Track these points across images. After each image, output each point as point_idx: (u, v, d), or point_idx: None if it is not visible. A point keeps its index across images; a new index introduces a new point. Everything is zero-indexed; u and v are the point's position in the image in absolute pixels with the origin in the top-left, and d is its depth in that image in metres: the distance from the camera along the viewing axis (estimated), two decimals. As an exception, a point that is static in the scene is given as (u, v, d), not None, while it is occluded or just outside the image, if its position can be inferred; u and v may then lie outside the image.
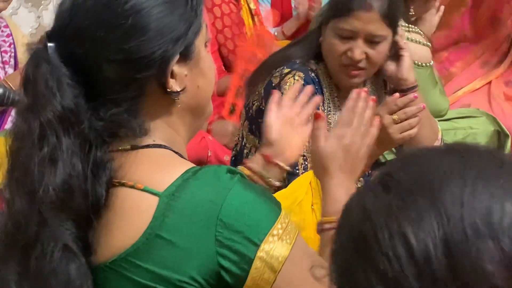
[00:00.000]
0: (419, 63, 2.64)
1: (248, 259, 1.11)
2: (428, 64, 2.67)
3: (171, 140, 1.20)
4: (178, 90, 1.17)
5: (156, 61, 1.14)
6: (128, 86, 1.15)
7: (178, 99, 1.18)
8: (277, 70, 2.13)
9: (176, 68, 1.16)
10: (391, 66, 2.16)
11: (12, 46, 3.17)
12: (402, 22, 2.68)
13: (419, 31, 2.70)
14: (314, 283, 1.14)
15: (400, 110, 1.94)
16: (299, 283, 1.15)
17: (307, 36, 2.27)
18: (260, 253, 1.11)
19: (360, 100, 1.47)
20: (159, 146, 1.18)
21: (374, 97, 1.54)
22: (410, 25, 2.70)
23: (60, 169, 1.10)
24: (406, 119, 1.95)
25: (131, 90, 1.15)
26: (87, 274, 1.12)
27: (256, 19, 3.58)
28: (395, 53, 2.14)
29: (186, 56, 1.17)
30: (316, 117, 1.45)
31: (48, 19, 4.04)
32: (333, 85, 2.18)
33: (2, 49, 3.15)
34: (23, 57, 3.18)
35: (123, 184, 1.14)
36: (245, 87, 2.34)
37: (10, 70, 3.14)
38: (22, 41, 3.27)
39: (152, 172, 1.15)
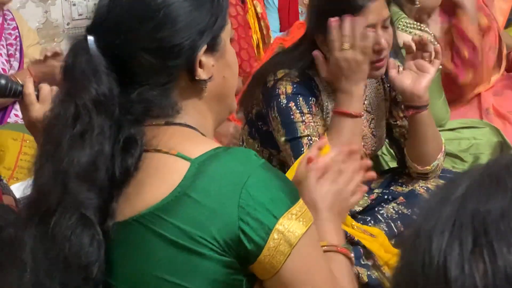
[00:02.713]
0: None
1: (267, 229, 1.19)
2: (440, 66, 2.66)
3: (200, 125, 1.30)
4: (206, 79, 1.28)
5: (185, 51, 1.25)
6: (159, 73, 1.26)
7: (206, 87, 1.29)
8: (273, 73, 2.12)
9: (204, 58, 1.27)
10: (407, 81, 2.10)
11: (18, 39, 3.18)
12: (414, 22, 2.69)
13: (430, 31, 2.70)
14: (325, 263, 1.27)
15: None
16: (312, 261, 1.25)
17: (296, 48, 2.19)
18: (278, 226, 1.20)
19: (353, 157, 1.52)
20: (191, 127, 1.28)
21: (367, 161, 1.56)
22: (421, 25, 2.70)
23: (88, 146, 1.20)
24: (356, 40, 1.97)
25: (162, 77, 1.26)
26: (100, 245, 1.19)
27: (262, 23, 3.58)
28: (419, 64, 2.09)
29: (213, 47, 1.29)
30: (308, 161, 1.49)
31: (55, 14, 4.05)
32: (330, 89, 2.15)
33: (8, 42, 3.16)
34: (28, 51, 3.19)
35: (158, 151, 1.23)
36: (242, 93, 2.32)
37: (15, 64, 3.14)
38: (28, 35, 3.28)
39: (185, 143, 1.25)
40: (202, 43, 1.26)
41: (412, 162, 2.23)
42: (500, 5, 3.30)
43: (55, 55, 2.92)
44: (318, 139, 2.05)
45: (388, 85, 2.27)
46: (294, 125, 2.08)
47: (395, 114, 2.29)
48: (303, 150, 2.06)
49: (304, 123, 2.08)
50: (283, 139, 2.11)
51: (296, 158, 1.99)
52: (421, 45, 2.10)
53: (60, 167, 1.20)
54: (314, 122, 2.10)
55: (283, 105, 2.08)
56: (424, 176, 2.26)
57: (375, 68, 2.07)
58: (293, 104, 2.08)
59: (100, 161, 1.20)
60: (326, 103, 2.17)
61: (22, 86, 1.76)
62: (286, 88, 2.09)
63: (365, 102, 2.23)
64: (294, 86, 2.09)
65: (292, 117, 2.09)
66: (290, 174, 1.68)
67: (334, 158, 1.50)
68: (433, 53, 2.11)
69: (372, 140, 2.27)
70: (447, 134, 2.71)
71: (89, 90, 1.21)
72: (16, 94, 1.77)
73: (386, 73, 2.21)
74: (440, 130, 2.67)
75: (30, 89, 1.77)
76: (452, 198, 0.66)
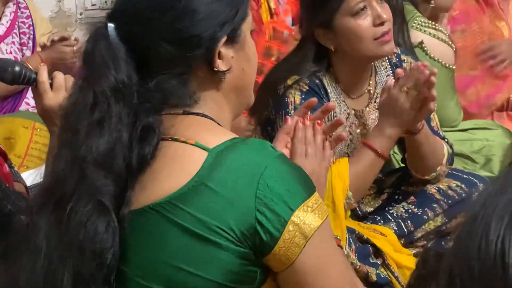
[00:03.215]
0: (443, 63, 2.63)
1: (283, 220, 1.19)
2: (450, 66, 2.66)
3: (217, 116, 1.30)
4: (224, 70, 1.28)
5: (204, 42, 1.25)
6: (178, 63, 1.26)
7: (224, 78, 1.29)
8: (283, 80, 2.11)
9: (223, 49, 1.27)
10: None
11: (31, 28, 3.18)
12: (429, 21, 2.67)
13: (444, 31, 2.69)
14: (341, 256, 1.28)
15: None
16: (326, 253, 1.25)
17: (300, 49, 2.18)
18: (294, 218, 1.20)
19: (308, 128, 1.56)
20: (208, 117, 1.28)
21: (319, 121, 1.58)
22: (436, 24, 2.69)
23: (107, 134, 1.20)
24: (413, 85, 1.95)
25: (181, 67, 1.26)
26: (115, 232, 1.19)
27: (275, 19, 3.57)
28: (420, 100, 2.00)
29: (233, 39, 1.28)
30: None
31: (68, 3, 4.05)
32: (340, 89, 2.16)
33: (21, 30, 3.16)
34: (41, 40, 3.19)
35: (175, 140, 1.23)
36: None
37: (28, 52, 3.14)
38: (41, 24, 3.28)
39: (203, 133, 1.25)
40: (222, 35, 1.26)
41: (411, 170, 2.23)
42: None
43: (62, 39, 2.92)
44: None
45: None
46: None
47: None
48: None
49: None
50: None
51: None
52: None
53: (77, 154, 1.20)
54: None
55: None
56: (426, 183, 2.26)
57: (382, 43, 2.05)
58: None
59: (118, 149, 1.20)
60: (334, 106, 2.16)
61: (36, 73, 1.75)
62: (295, 97, 2.09)
63: (377, 100, 2.22)
64: (303, 96, 2.09)
65: None
66: None
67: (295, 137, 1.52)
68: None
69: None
70: (459, 135, 2.70)
71: (108, 77, 1.22)
72: (30, 82, 1.77)
73: (400, 68, 2.22)
74: (452, 131, 2.68)
75: (44, 77, 1.76)
76: (510, 187, 0.67)
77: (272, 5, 3.53)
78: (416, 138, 2.09)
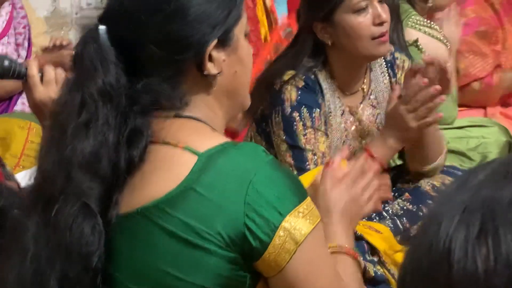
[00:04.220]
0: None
1: (273, 226, 1.18)
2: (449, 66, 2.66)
3: (209, 119, 1.28)
4: (215, 73, 1.26)
5: (194, 45, 1.24)
6: (167, 66, 1.25)
7: (215, 82, 1.27)
8: (279, 76, 2.12)
9: (214, 52, 1.25)
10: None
11: (26, 28, 3.17)
12: (425, 20, 2.67)
13: (439, 29, 2.69)
14: (331, 262, 1.26)
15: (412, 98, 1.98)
16: (317, 259, 1.24)
17: (296, 43, 2.19)
18: (285, 223, 1.19)
19: (369, 169, 1.54)
20: (200, 120, 1.27)
21: (377, 166, 1.59)
22: (431, 22, 2.69)
23: (92, 136, 1.19)
24: (420, 106, 1.98)
25: (170, 70, 1.25)
26: (101, 235, 1.18)
27: (271, 17, 3.57)
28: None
29: (224, 42, 1.26)
30: (326, 164, 1.52)
31: (64, 3, 4.05)
32: (335, 86, 2.16)
33: (17, 30, 3.15)
34: (36, 40, 3.18)
35: (165, 143, 1.22)
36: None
37: (23, 53, 3.13)
38: (36, 24, 3.28)
39: (194, 136, 1.23)
40: (213, 38, 1.25)
41: (409, 162, 2.24)
42: None
43: (63, 46, 2.91)
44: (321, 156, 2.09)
45: (394, 78, 2.27)
46: (296, 135, 2.10)
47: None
48: (308, 164, 2.08)
49: (305, 136, 2.10)
50: (284, 146, 2.12)
51: (297, 168, 2.06)
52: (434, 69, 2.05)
53: (64, 155, 1.20)
54: (315, 138, 2.11)
55: (287, 113, 2.10)
56: (422, 175, 2.26)
57: (379, 43, 2.07)
58: (297, 114, 2.10)
59: (103, 152, 1.19)
60: (328, 102, 2.16)
61: (26, 68, 1.75)
62: (291, 94, 2.09)
63: (371, 97, 2.23)
64: (299, 93, 2.09)
65: (294, 127, 2.10)
66: (304, 179, 1.70)
67: (353, 167, 1.51)
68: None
69: (378, 134, 2.27)
70: (456, 132, 2.70)
71: (96, 80, 1.21)
72: (20, 76, 1.76)
73: (392, 66, 2.22)
74: (448, 128, 2.68)
75: (34, 71, 1.76)
76: (468, 186, 0.68)
77: (268, 3, 3.52)
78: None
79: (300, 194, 1.22)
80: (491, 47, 2.98)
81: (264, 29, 3.48)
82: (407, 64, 2.27)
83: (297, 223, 1.19)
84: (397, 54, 2.26)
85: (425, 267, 0.65)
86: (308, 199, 1.23)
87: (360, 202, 1.49)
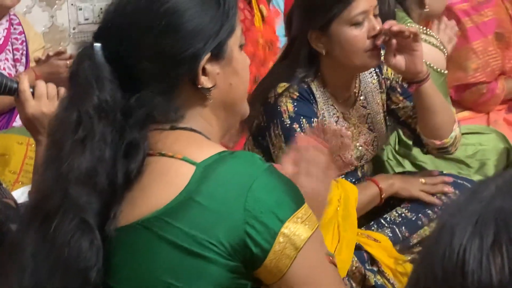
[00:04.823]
0: (435, 68, 2.63)
1: (273, 232, 1.19)
2: (442, 71, 2.66)
3: (206, 130, 1.29)
4: (209, 87, 1.27)
5: (187, 59, 1.25)
6: (162, 80, 1.26)
7: (210, 94, 1.28)
8: (273, 88, 2.12)
9: (208, 66, 1.27)
10: (401, 61, 2.10)
11: (24, 44, 3.18)
12: (421, 27, 2.68)
13: (435, 35, 2.69)
14: (330, 267, 1.27)
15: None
16: (318, 264, 1.25)
17: (289, 52, 2.20)
18: (284, 229, 1.19)
19: (311, 146, 1.52)
20: (196, 131, 1.28)
21: (326, 144, 1.56)
22: (427, 29, 2.70)
23: (89, 152, 1.21)
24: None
25: (164, 84, 1.26)
26: (99, 250, 1.19)
27: (268, 28, 3.57)
28: (405, 46, 2.08)
29: (218, 55, 1.27)
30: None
31: (61, 18, 4.06)
32: (328, 94, 2.17)
33: (14, 46, 3.16)
34: (34, 55, 3.19)
35: (162, 155, 1.23)
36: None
37: (21, 68, 3.14)
38: (34, 39, 3.28)
39: (191, 147, 1.25)
40: (206, 51, 1.26)
41: (428, 139, 2.23)
42: None
43: (58, 54, 2.92)
44: None
45: (383, 76, 2.28)
46: None
47: (395, 99, 2.30)
48: None
49: None
50: None
51: None
52: (396, 33, 2.08)
53: (61, 171, 1.21)
54: None
55: (287, 125, 2.10)
56: (445, 151, 2.27)
57: (372, 55, 2.08)
58: (297, 126, 2.10)
59: (100, 167, 1.21)
60: (322, 111, 2.17)
61: (17, 83, 1.75)
62: (287, 106, 2.09)
63: (361, 98, 2.24)
64: (295, 104, 2.10)
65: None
66: None
67: (302, 154, 1.50)
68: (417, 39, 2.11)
69: (370, 135, 2.28)
70: (453, 140, 2.70)
71: (91, 97, 1.22)
72: (12, 91, 1.76)
73: (379, 65, 2.23)
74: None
75: (25, 85, 1.76)
76: (480, 196, 0.68)
77: (265, 13, 3.53)
78: (425, 90, 2.12)
79: (298, 200, 1.23)
80: (504, 51, 2.98)
81: (262, 39, 3.48)
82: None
83: (296, 228, 1.20)
84: (382, 51, 2.27)
85: (439, 277, 0.65)
86: (306, 204, 1.24)
87: (317, 196, 1.45)
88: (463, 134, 2.75)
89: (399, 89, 2.28)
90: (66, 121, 1.23)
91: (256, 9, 3.46)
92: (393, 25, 2.04)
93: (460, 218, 0.66)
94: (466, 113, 3.01)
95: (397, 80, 2.27)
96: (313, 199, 1.43)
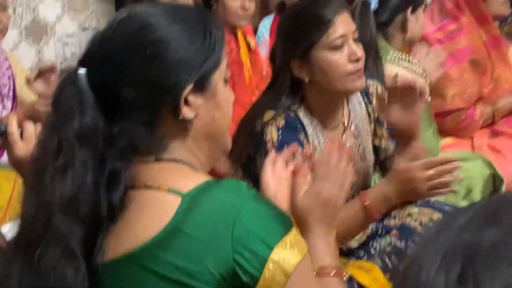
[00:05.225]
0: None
1: (262, 260, 1.19)
2: (429, 98, 2.68)
3: (191, 161, 1.29)
4: (190, 118, 1.27)
5: (170, 89, 1.25)
6: (144, 110, 1.26)
7: (192, 126, 1.28)
8: (259, 117, 2.13)
9: (191, 97, 1.27)
10: (401, 117, 2.12)
11: (11, 79, 3.18)
12: (403, 55, 2.70)
13: (419, 64, 2.72)
14: None
15: (435, 167, 1.99)
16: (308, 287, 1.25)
17: (275, 82, 2.20)
18: (273, 256, 1.19)
19: (335, 153, 1.55)
20: (182, 161, 1.28)
21: (347, 148, 1.57)
22: (410, 57, 2.72)
23: (70, 180, 1.20)
24: (439, 177, 1.99)
25: (147, 113, 1.26)
26: (84, 278, 1.19)
27: (253, 59, 3.59)
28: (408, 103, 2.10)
29: (202, 87, 1.28)
30: (293, 173, 1.52)
31: (48, 54, 4.07)
32: (316, 121, 2.18)
33: (1, 82, 3.16)
34: (21, 93, 3.19)
35: (147, 187, 1.23)
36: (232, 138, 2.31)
37: (8, 104, 3.13)
38: (21, 75, 3.29)
39: (176, 178, 1.24)
40: (189, 82, 1.25)
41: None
42: None
43: (49, 70, 2.87)
44: None
45: (372, 106, 2.29)
46: None
47: (380, 133, 2.31)
48: None
49: None
50: None
51: None
52: (406, 86, 2.11)
53: (43, 199, 1.20)
54: None
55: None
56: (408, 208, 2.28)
57: (355, 78, 2.09)
58: None
59: (82, 195, 1.20)
60: (312, 138, 2.17)
61: (6, 125, 1.75)
62: (272, 134, 2.09)
63: (352, 127, 2.25)
64: (280, 132, 2.09)
65: None
66: None
67: (319, 163, 1.51)
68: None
69: (361, 164, 2.28)
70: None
71: (73, 123, 1.22)
72: (0, 133, 1.76)
73: (367, 94, 2.25)
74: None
75: (13, 127, 1.75)
76: (450, 229, 0.68)
77: (252, 46, 3.55)
78: None
79: (285, 224, 1.23)
80: (481, 77, 3.01)
81: (248, 73, 3.50)
82: (380, 89, 2.31)
83: (285, 254, 1.19)
84: (369, 82, 2.28)
85: None
86: (294, 229, 1.24)
87: (333, 201, 1.49)
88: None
89: (385, 124, 2.29)
90: (47, 147, 1.23)
91: (242, 41, 3.48)
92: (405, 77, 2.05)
93: (429, 251, 0.66)
94: (449, 140, 3.03)
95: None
96: (328, 204, 1.48)
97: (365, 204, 2.04)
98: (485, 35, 3.02)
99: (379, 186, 2.09)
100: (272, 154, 1.62)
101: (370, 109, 2.30)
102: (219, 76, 1.30)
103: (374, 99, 2.29)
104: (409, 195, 2.05)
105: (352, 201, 2.08)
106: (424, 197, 2.06)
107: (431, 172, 1.98)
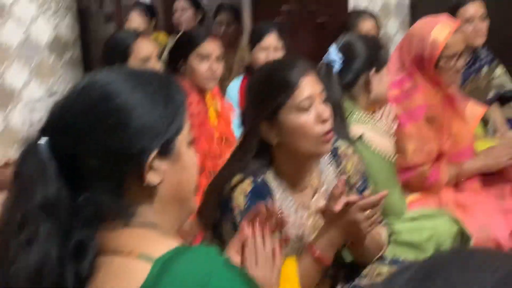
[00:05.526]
0: (383, 155, 2.67)
1: None
2: (391, 158, 2.71)
3: (159, 225, 1.28)
4: (156, 183, 1.26)
5: (134, 156, 1.25)
6: (109, 177, 1.25)
7: (157, 191, 1.28)
8: (228, 182, 2.12)
9: (155, 162, 1.27)
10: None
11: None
12: (368, 115, 2.73)
13: (383, 122, 2.75)
14: None
15: (369, 207, 2.03)
16: None
17: (243, 145, 2.21)
18: None
19: (257, 237, 1.59)
20: (151, 225, 1.27)
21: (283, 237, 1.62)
22: (375, 117, 2.75)
23: (35, 253, 1.19)
24: (374, 214, 2.04)
25: (111, 181, 1.25)
26: None
27: (223, 121, 3.61)
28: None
29: (166, 151, 1.28)
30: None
31: (15, 119, 4.06)
32: (284, 185, 2.18)
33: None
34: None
35: (116, 253, 1.22)
36: (200, 202, 2.27)
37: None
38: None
39: (145, 244, 1.24)
40: (153, 148, 1.26)
41: (354, 258, 2.27)
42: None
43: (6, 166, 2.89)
44: None
45: (340, 169, 2.30)
46: None
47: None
48: None
49: None
50: None
51: None
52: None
53: (8, 273, 1.18)
54: None
55: (237, 222, 2.06)
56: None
57: (323, 142, 2.10)
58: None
59: (47, 268, 1.18)
60: (280, 203, 2.16)
61: None
62: (239, 200, 2.08)
63: (322, 189, 2.25)
64: (247, 198, 2.09)
65: None
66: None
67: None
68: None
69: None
70: (408, 225, 2.72)
71: (36, 195, 1.21)
72: None
73: (336, 155, 2.27)
74: (401, 221, 2.71)
75: None
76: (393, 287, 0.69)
77: (218, 107, 3.57)
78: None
79: None
80: (438, 134, 3.05)
81: (217, 132, 3.51)
82: (350, 150, 2.32)
83: None
84: (338, 143, 2.29)
85: None
86: None
87: (267, 279, 1.53)
88: (417, 218, 2.79)
89: (355, 188, 2.29)
90: (11, 221, 1.21)
91: (210, 103, 3.51)
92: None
93: None
94: (416, 195, 3.05)
95: (355, 177, 2.29)
96: (263, 286, 1.46)
97: (315, 256, 2.05)
98: (440, 94, 3.08)
99: (325, 234, 2.09)
100: (242, 232, 1.62)
101: (339, 170, 2.31)
102: (182, 140, 1.31)
103: (344, 160, 2.30)
104: (353, 235, 2.09)
105: (301, 258, 2.09)
106: (365, 233, 2.09)
107: (367, 212, 2.03)
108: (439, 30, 2.99)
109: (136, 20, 5.07)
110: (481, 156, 3.15)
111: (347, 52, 2.76)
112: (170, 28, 5.48)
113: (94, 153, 1.24)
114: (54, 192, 1.21)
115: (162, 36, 5.47)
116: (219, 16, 5.22)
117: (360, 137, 2.64)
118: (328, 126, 2.09)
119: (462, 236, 2.74)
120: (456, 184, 3.13)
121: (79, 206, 1.23)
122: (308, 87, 2.08)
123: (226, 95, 4.07)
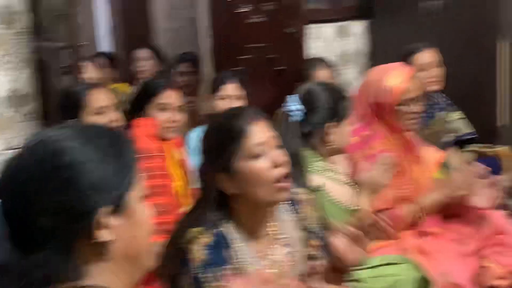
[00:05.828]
0: (343, 205, 2.67)
1: None
2: (350, 207, 2.71)
3: (113, 285, 1.25)
4: (107, 240, 1.24)
5: (84, 214, 1.23)
6: (59, 237, 1.23)
7: (109, 248, 1.25)
8: (186, 234, 2.10)
9: (108, 219, 1.25)
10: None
11: None
12: (328, 164, 2.74)
13: (344, 172, 2.75)
14: None
15: None
16: None
17: (201, 198, 2.20)
18: None
19: None
20: (102, 287, 1.23)
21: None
22: (335, 166, 2.76)
23: None
24: None
25: (62, 241, 1.23)
26: None
27: (184, 170, 3.58)
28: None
29: (118, 208, 1.25)
30: None
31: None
32: (244, 234, 2.15)
33: None
34: None
35: None
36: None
37: None
38: None
39: None
40: (104, 204, 1.24)
41: None
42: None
43: None
44: None
45: (298, 214, 2.28)
46: None
47: (313, 243, 2.30)
48: None
49: None
50: None
51: None
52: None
53: None
54: None
55: (198, 275, 2.04)
56: None
57: (281, 189, 2.09)
58: (207, 276, 2.04)
59: None
60: (238, 254, 2.13)
61: None
62: (198, 253, 2.05)
63: (281, 236, 2.23)
64: (206, 251, 2.06)
65: None
66: None
67: None
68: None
69: (294, 272, 2.25)
70: (370, 272, 2.71)
71: None
72: None
73: (294, 202, 2.26)
74: (362, 269, 2.70)
75: None
76: None
77: (178, 157, 3.54)
78: None
79: None
80: (399, 179, 3.06)
81: (178, 182, 3.48)
82: (305, 196, 2.32)
83: None
84: (296, 190, 2.28)
85: None
86: None
87: None
88: (378, 266, 2.79)
89: (316, 233, 2.29)
90: None
91: (169, 153, 3.48)
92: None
93: None
94: (379, 242, 3.05)
95: (315, 222, 2.29)
96: None
97: None
98: (398, 140, 3.11)
99: None
100: None
101: (298, 217, 2.30)
102: (135, 195, 1.29)
103: (302, 206, 2.29)
104: None
105: None
106: None
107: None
108: (394, 77, 3.03)
109: (92, 72, 5.06)
110: (437, 187, 3.16)
111: (308, 102, 2.77)
112: (133, 78, 5.48)
113: (44, 211, 1.21)
114: (4, 256, 1.19)
115: (123, 86, 5.46)
116: (180, 65, 5.23)
117: (320, 187, 2.64)
118: (284, 170, 2.08)
119: (425, 282, 2.73)
120: (419, 227, 3.13)
121: (28, 269, 1.20)
122: (259, 133, 2.07)
123: (185, 144, 4.05)
